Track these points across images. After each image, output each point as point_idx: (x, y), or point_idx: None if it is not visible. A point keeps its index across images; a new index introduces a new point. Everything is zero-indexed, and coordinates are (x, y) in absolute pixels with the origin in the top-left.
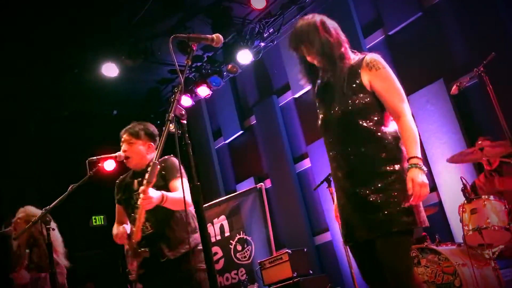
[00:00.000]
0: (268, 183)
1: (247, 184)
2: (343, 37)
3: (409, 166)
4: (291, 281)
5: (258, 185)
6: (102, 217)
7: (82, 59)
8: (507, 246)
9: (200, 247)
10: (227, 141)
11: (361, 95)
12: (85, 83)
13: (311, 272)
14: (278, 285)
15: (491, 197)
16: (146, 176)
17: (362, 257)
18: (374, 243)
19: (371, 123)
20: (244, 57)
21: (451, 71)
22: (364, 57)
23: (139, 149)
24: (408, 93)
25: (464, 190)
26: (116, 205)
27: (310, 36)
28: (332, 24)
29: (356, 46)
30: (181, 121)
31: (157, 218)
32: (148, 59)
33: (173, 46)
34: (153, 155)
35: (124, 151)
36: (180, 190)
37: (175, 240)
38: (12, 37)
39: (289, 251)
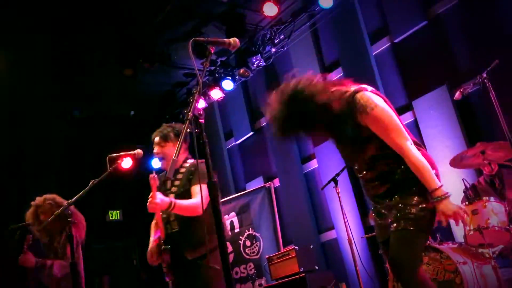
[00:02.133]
0: (276, 182)
1: (256, 183)
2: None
3: (434, 199)
4: (298, 276)
5: (267, 184)
6: (118, 212)
7: (104, 62)
8: (507, 246)
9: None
10: (238, 142)
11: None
12: (105, 85)
13: (316, 268)
14: (285, 279)
15: (492, 199)
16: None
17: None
18: None
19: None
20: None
21: (455, 77)
22: (353, 97)
23: (170, 151)
24: (412, 99)
25: (465, 191)
26: None
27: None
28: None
29: (363, 53)
30: (199, 120)
31: (182, 218)
32: (165, 63)
33: (192, 49)
34: (186, 155)
35: (157, 153)
36: (197, 197)
37: (196, 241)
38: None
39: (296, 247)
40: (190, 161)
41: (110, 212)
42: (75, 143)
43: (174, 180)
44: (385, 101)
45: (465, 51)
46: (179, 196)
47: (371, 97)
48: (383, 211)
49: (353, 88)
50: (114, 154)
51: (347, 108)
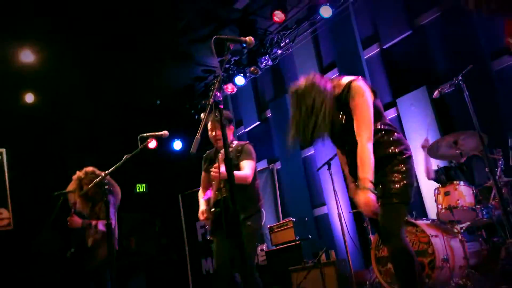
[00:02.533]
0: (278, 165)
1: (261, 165)
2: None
3: (358, 185)
4: (294, 243)
5: (270, 166)
6: (144, 185)
7: (136, 60)
8: (472, 223)
9: (260, 212)
10: (246, 130)
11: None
12: (134, 78)
13: (310, 237)
14: (283, 245)
15: (461, 182)
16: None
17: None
18: None
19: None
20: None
21: (433, 80)
22: (350, 84)
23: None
24: (396, 97)
25: (439, 175)
26: (203, 173)
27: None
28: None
29: (356, 56)
30: (219, 106)
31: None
32: (187, 60)
33: (213, 45)
34: (232, 138)
35: (215, 136)
36: (246, 169)
37: (243, 205)
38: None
39: (293, 219)
40: (235, 142)
41: (137, 185)
42: (108, 125)
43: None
44: (374, 93)
45: (443, 57)
46: None
47: (363, 87)
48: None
49: (352, 78)
50: (145, 134)
51: (345, 92)
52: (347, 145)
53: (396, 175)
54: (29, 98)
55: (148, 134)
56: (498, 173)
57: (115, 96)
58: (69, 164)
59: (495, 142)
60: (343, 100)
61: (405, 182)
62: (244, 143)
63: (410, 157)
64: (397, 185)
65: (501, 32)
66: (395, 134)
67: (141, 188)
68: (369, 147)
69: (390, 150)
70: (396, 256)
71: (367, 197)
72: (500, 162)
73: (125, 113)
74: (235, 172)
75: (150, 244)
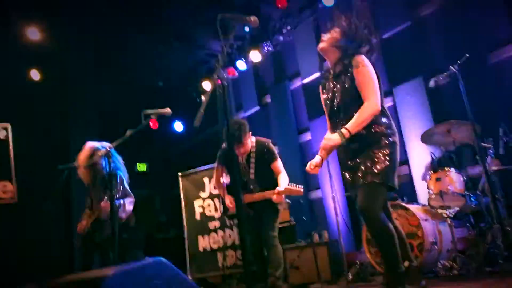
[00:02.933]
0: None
1: None
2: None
3: (338, 132)
4: (288, 223)
5: None
6: (145, 164)
7: (139, 41)
8: (461, 209)
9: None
10: (246, 114)
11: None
12: (138, 59)
13: (304, 218)
14: (279, 225)
15: (452, 169)
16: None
17: None
18: None
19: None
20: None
21: (430, 71)
22: (352, 56)
23: (247, 140)
24: (393, 86)
25: (432, 162)
26: (218, 167)
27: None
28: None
29: None
30: (223, 82)
31: (259, 171)
32: (191, 43)
33: (219, 25)
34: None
35: (241, 152)
36: (283, 170)
37: (270, 185)
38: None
39: (289, 201)
40: (254, 138)
41: (138, 164)
42: (112, 104)
43: (249, 160)
44: (376, 74)
45: (441, 49)
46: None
47: (365, 60)
48: (354, 167)
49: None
50: (148, 110)
51: (349, 62)
52: (338, 120)
53: (379, 156)
54: (35, 75)
55: (151, 110)
56: (488, 161)
57: (120, 76)
58: (73, 140)
59: (487, 132)
60: (347, 71)
61: (387, 164)
62: (265, 141)
63: (395, 143)
64: (379, 167)
65: (500, 25)
66: (387, 118)
67: (141, 167)
68: (371, 111)
69: (378, 130)
70: (376, 236)
71: (335, 138)
72: (490, 151)
73: (128, 93)
74: (284, 179)
75: (149, 221)
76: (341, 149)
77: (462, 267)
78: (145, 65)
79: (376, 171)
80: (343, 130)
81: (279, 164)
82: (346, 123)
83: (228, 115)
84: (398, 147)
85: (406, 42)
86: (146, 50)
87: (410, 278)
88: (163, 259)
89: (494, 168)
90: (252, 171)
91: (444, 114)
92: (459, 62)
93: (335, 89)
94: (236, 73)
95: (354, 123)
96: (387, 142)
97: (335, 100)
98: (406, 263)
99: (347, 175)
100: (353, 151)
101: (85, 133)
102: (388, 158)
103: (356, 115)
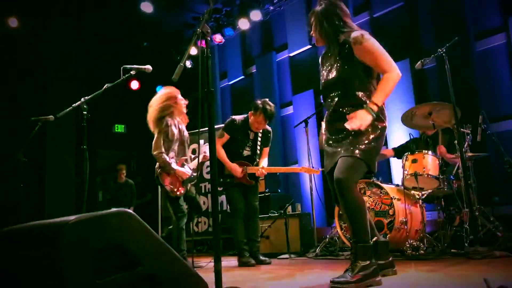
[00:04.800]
0: None
1: None
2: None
3: (366, 105)
4: (263, 194)
5: None
6: (123, 126)
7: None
8: (434, 191)
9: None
10: (230, 83)
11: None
12: (126, 18)
13: (279, 190)
14: None
15: (429, 152)
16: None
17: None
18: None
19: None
20: (255, 15)
21: (417, 53)
22: (350, 34)
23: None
24: None
25: (409, 143)
26: (225, 135)
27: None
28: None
29: None
30: (206, 37)
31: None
32: (178, 4)
33: None
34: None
35: (257, 128)
36: (266, 157)
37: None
38: None
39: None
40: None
41: (116, 125)
42: (93, 59)
43: (256, 138)
44: None
45: (429, 33)
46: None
47: (366, 34)
48: (337, 140)
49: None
50: (128, 66)
51: (347, 41)
52: (330, 98)
53: (367, 137)
54: (13, 22)
55: (131, 66)
56: (465, 147)
57: (104, 31)
58: (50, 92)
59: (466, 119)
60: (348, 45)
61: (372, 144)
62: (270, 129)
63: (384, 129)
64: (364, 144)
65: (489, 14)
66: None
67: (119, 128)
68: (395, 79)
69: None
70: (347, 206)
71: (366, 116)
72: (468, 137)
73: (111, 50)
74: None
75: None
76: (330, 125)
77: (428, 247)
78: (132, 23)
79: (361, 147)
80: (370, 105)
81: (267, 151)
82: (339, 98)
83: (211, 78)
84: (384, 135)
85: (396, 22)
86: (131, 8)
87: (378, 252)
88: (129, 210)
89: (469, 154)
90: (259, 148)
91: (427, 97)
92: (447, 45)
93: (333, 64)
94: (223, 40)
95: (380, 95)
96: (376, 125)
97: (330, 75)
98: (374, 238)
99: (330, 146)
100: (343, 129)
101: (63, 86)
102: (373, 141)
103: (380, 86)
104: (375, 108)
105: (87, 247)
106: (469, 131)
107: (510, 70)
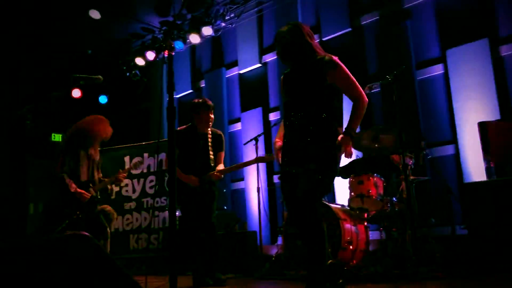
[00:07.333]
0: None
1: None
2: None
3: (345, 132)
4: None
5: None
6: (60, 135)
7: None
8: (379, 212)
9: None
10: (177, 96)
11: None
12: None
13: (225, 208)
14: None
15: (375, 174)
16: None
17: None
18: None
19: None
20: (206, 31)
21: (362, 78)
22: (323, 57)
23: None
24: None
25: (354, 165)
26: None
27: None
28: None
29: None
30: (170, 52)
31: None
32: (127, 14)
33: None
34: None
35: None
36: (222, 162)
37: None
38: None
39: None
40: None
41: (53, 134)
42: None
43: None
44: None
45: (375, 58)
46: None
47: (336, 58)
48: (297, 152)
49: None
50: (78, 74)
51: (325, 60)
52: (293, 117)
53: (327, 151)
54: None
55: (82, 75)
56: (407, 171)
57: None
58: None
59: (408, 144)
60: (319, 67)
61: (333, 152)
62: (220, 133)
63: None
64: (326, 161)
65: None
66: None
67: (57, 137)
68: (364, 105)
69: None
70: (308, 228)
71: (349, 141)
72: (411, 162)
73: (55, 57)
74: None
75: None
76: (290, 144)
77: (371, 268)
78: (76, 30)
79: (326, 165)
80: (347, 131)
81: (222, 157)
82: (302, 117)
83: (172, 88)
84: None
85: (344, 46)
86: (77, 16)
87: (332, 276)
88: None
89: (412, 177)
90: (211, 153)
91: (372, 121)
92: (395, 72)
93: (298, 83)
94: (173, 53)
95: (354, 121)
96: (335, 142)
97: (294, 95)
98: (329, 261)
99: (288, 163)
100: (302, 145)
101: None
102: (333, 156)
103: (352, 113)
104: (353, 133)
105: None
106: (412, 155)
107: (447, 98)
